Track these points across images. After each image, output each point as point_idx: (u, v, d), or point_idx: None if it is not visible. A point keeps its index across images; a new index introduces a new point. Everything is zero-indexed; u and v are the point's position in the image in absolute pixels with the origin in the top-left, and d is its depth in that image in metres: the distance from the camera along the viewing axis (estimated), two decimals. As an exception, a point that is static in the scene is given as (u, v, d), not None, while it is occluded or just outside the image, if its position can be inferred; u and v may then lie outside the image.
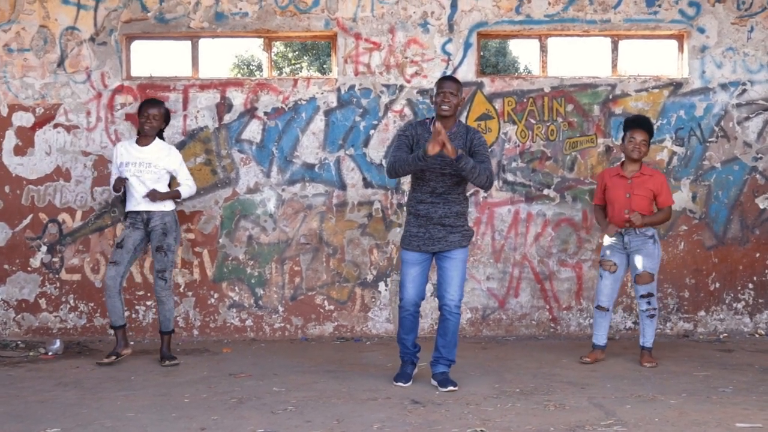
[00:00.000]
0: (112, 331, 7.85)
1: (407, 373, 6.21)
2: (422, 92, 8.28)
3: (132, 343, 7.52)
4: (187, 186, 7.29)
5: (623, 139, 7.09)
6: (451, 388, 5.93)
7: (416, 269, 6.12)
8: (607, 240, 7.12)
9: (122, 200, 7.47)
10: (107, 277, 7.10)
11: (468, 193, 8.16)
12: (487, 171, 5.94)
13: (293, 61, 23.48)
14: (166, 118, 7.27)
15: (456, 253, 6.07)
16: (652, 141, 8.25)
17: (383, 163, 8.24)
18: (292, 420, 5.17)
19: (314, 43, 22.06)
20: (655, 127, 8.34)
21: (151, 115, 7.10)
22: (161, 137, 7.30)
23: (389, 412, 5.34)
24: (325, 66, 22.21)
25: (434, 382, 6.09)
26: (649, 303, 7.00)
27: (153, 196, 7.03)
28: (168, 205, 7.17)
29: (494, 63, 22.64)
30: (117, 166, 7.14)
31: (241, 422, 5.13)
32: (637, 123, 7.06)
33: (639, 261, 6.97)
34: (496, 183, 8.34)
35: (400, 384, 6.12)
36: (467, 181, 6.10)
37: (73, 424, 5.11)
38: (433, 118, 6.16)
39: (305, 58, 23.42)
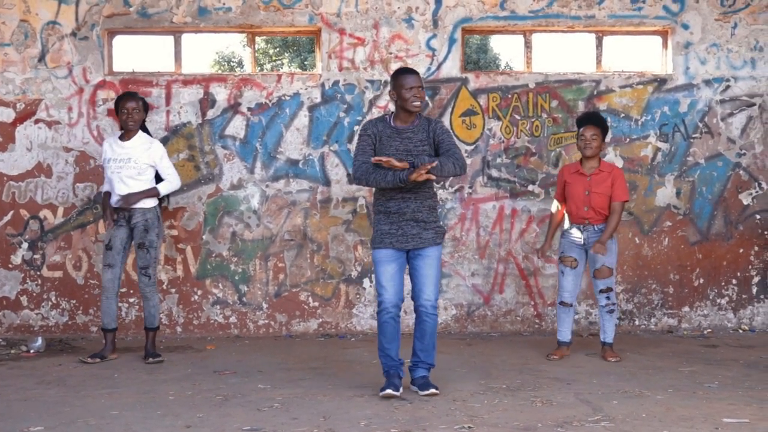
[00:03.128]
0: (95, 329, 7.83)
1: (395, 384, 5.67)
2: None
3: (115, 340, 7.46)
4: (168, 182, 7.14)
5: (577, 137, 7.10)
6: (432, 390, 5.62)
7: (392, 266, 5.74)
8: (566, 236, 7.10)
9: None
10: (105, 280, 7.03)
11: (453, 189, 8.21)
12: (455, 157, 5.66)
13: (274, 58, 23.42)
14: (145, 108, 7.18)
15: (430, 251, 5.75)
16: (636, 137, 8.32)
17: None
18: (278, 417, 5.13)
19: (295, 39, 22.01)
20: (639, 122, 8.37)
21: (129, 108, 6.99)
22: (145, 130, 7.22)
23: (376, 408, 5.30)
24: (306, 62, 22.15)
25: (414, 387, 5.75)
26: (608, 298, 6.99)
27: (126, 201, 6.93)
28: (148, 202, 7.06)
29: (476, 59, 22.64)
30: (103, 162, 7.07)
31: (227, 420, 5.09)
32: (586, 119, 7.06)
33: (599, 256, 6.95)
34: (480, 179, 8.32)
35: (389, 391, 5.59)
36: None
37: (56, 423, 5.05)
38: (392, 113, 5.86)
39: (286, 54, 23.36)
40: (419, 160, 5.62)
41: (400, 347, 5.84)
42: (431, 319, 5.77)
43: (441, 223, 6.08)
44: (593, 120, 7.01)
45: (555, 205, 7.25)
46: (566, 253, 7.06)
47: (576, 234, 7.01)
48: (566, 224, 7.15)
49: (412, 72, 5.76)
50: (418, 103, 5.70)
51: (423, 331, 5.78)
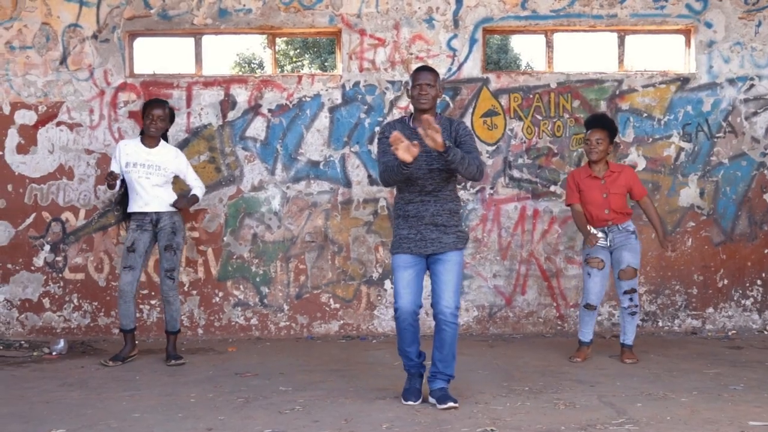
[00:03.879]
0: (117, 331, 7.84)
1: (416, 389, 5.58)
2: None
3: (137, 342, 7.45)
4: (199, 188, 7.30)
5: (584, 141, 7.02)
6: (451, 404, 5.31)
7: (410, 272, 5.50)
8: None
9: (119, 200, 7.40)
10: (124, 282, 7.03)
11: (474, 190, 8.17)
12: (477, 161, 5.44)
13: (294, 59, 23.44)
14: (171, 118, 7.21)
15: (451, 256, 5.49)
16: (658, 137, 8.26)
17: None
18: (299, 420, 5.11)
19: (315, 41, 22.02)
20: (662, 122, 8.30)
21: (156, 116, 7.01)
22: (165, 138, 7.24)
23: (398, 411, 5.27)
24: (326, 63, 22.15)
25: (432, 400, 5.46)
26: (631, 300, 6.92)
27: (179, 204, 7.10)
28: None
29: (496, 60, 22.58)
30: (122, 165, 7.04)
31: (249, 422, 5.07)
32: (593, 122, 6.99)
33: (624, 256, 6.89)
34: (501, 179, 8.28)
35: (410, 402, 5.49)
36: (457, 178, 5.65)
37: (78, 425, 5.05)
38: (411, 114, 5.67)
39: (306, 55, 23.37)
40: (439, 162, 5.41)
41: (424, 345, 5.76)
42: (450, 328, 5.44)
43: (463, 226, 5.83)
44: (599, 123, 6.95)
45: (576, 208, 7.09)
46: (593, 254, 6.97)
47: (601, 236, 6.93)
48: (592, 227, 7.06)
49: (422, 69, 5.57)
50: (423, 101, 5.47)
51: (442, 340, 5.48)
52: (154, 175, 7.00)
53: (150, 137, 7.08)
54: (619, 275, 6.93)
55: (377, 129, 8.16)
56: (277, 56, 8.65)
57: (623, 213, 6.91)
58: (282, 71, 21.05)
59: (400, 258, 5.54)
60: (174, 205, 7.05)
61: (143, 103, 7.36)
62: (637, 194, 6.99)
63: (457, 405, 5.32)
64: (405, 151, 5.16)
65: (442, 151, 5.22)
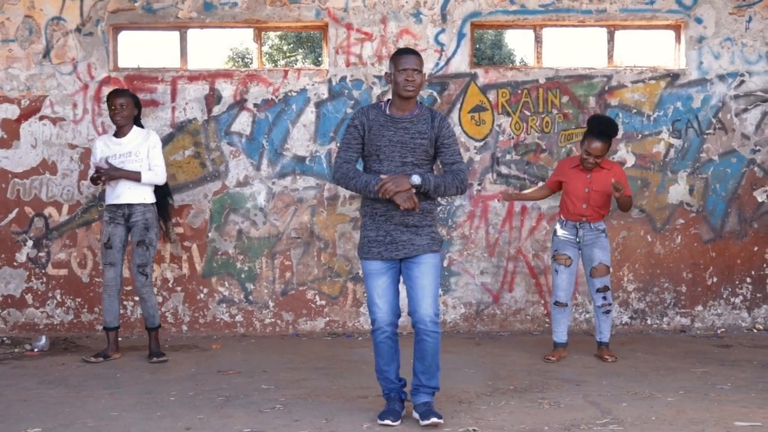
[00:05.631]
0: (100, 328, 7.75)
1: (396, 410, 5.02)
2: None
3: (120, 338, 7.36)
4: (153, 171, 7.01)
5: (584, 138, 6.76)
6: (435, 420, 4.83)
7: (383, 279, 5.00)
8: (560, 234, 6.92)
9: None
10: (107, 279, 7.00)
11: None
12: (457, 179, 4.99)
13: (288, 54, 23.35)
14: (137, 104, 7.10)
15: (426, 258, 4.95)
16: (648, 133, 8.22)
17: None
18: (279, 419, 5.04)
19: (309, 35, 21.94)
20: (651, 118, 8.24)
21: (118, 104, 6.92)
22: (139, 125, 7.15)
23: (379, 410, 5.18)
24: (320, 59, 22.06)
25: (415, 415, 4.98)
26: (604, 298, 6.86)
27: (109, 173, 6.83)
28: (148, 198, 7.01)
29: (490, 55, 22.53)
30: (96, 161, 6.98)
31: (228, 421, 5.00)
32: (598, 131, 6.65)
33: (595, 254, 6.82)
34: (489, 176, 8.21)
35: (387, 422, 4.92)
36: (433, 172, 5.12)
37: (55, 424, 4.98)
38: (388, 100, 5.11)
39: (300, 50, 23.28)
40: (414, 155, 4.97)
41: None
42: (432, 338, 4.93)
43: (437, 229, 5.25)
44: (606, 133, 6.66)
45: (541, 192, 7.09)
46: (560, 251, 6.89)
47: (569, 231, 6.86)
48: (559, 222, 6.98)
49: (408, 52, 5.02)
50: (410, 88, 4.93)
51: (423, 351, 4.97)
52: (127, 163, 6.90)
53: (120, 127, 7.00)
54: (591, 273, 6.86)
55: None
56: (270, 51, 8.57)
57: (600, 212, 6.84)
58: (275, 65, 21.01)
59: (371, 264, 5.04)
60: (101, 169, 6.83)
61: (106, 96, 7.24)
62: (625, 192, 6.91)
63: (441, 421, 4.86)
64: (407, 201, 4.83)
65: (420, 191, 4.88)
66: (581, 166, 6.81)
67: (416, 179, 4.85)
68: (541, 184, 7.17)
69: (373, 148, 5.00)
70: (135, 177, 6.92)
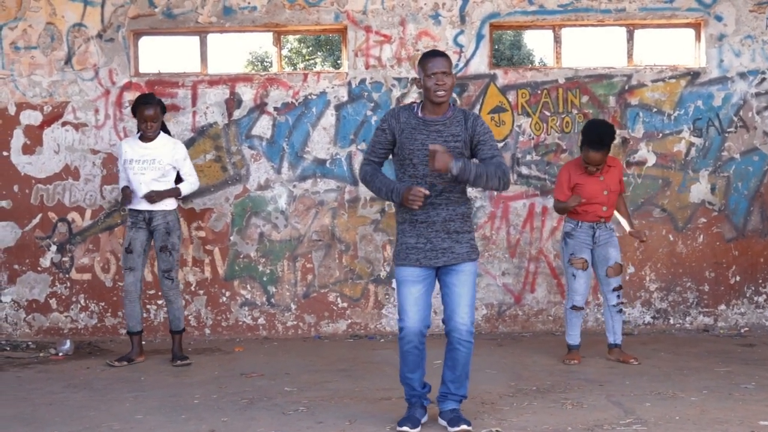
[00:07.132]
0: (123, 332, 7.80)
1: (415, 418, 4.96)
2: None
3: (143, 342, 7.40)
4: (188, 182, 7.16)
5: (582, 146, 6.69)
6: (464, 427, 4.80)
7: (418, 288, 4.88)
8: (575, 237, 6.80)
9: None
10: (127, 284, 7.04)
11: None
12: (500, 170, 4.84)
13: (307, 57, 23.41)
14: (163, 109, 7.12)
15: (465, 266, 4.89)
16: (669, 132, 8.20)
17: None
18: (303, 421, 5.07)
19: (328, 38, 21.99)
20: (672, 117, 8.21)
21: (148, 117, 6.93)
22: (166, 131, 7.19)
23: (402, 412, 5.19)
24: (339, 61, 22.11)
25: (442, 422, 4.96)
26: (618, 297, 6.83)
27: (150, 198, 6.90)
28: (170, 204, 7.07)
29: (509, 56, 22.51)
30: (122, 163, 7.05)
31: (251, 423, 5.04)
32: (598, 142, 6.56)
33: (610, 253, 6.79)
34: (510, 177, 8.17)
35: (405, 428, 4.85)
36: None
37: (80, 427, 5.03)
38: (420, 102, 4.99)
39: (319, 53, 23.34)
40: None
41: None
42: (465, 347, 4.88)
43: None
44: (604, 143, 6.59)
45: (560, 204, 6.88)
46: (577, 254, 6.80)
47: (588, 233, 6.79)
48: (570, 224, 6.87)
49: (436, 54, 4.89)
50: (441, 93, 4.81)
51: (455, 360, 4.92)
52: (149, 170, 6.95)
53: (149, 138, 7.04)
54: (607, 272, 6.81)
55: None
56: (289, 54, 8.60)
57: (612, 211, 6.86)
58: (295, 69, 21.05)
59: (407, 271, 4.91)
60: (146, 197, 6.91)
61: (133, 103, 7.27)
62: (621, 188, 6.91)
63: (470, 428, 4.82)
64: (417, 199, 4.74)
65: (454, 174, 4.72)
66: (588, 170, 6.75)
67: (456, 166, 4.68)
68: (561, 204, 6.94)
69: (406, 152, 4.89)
70: (176, 194, 7.08)
